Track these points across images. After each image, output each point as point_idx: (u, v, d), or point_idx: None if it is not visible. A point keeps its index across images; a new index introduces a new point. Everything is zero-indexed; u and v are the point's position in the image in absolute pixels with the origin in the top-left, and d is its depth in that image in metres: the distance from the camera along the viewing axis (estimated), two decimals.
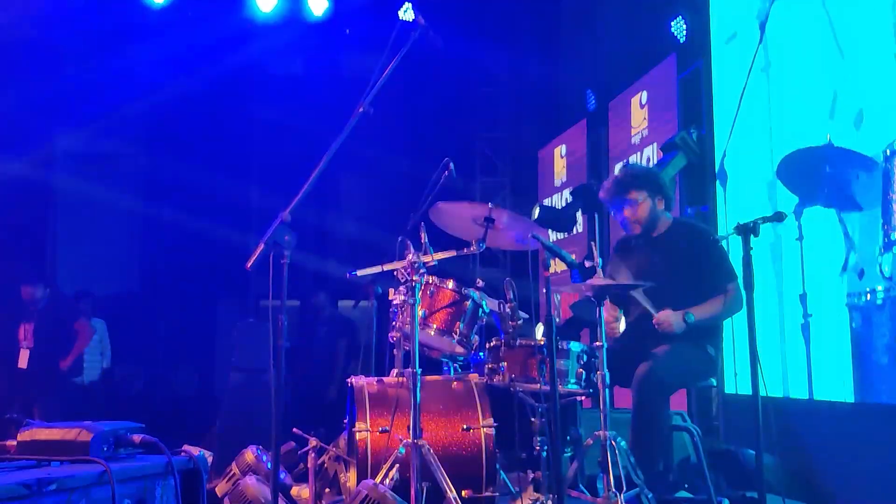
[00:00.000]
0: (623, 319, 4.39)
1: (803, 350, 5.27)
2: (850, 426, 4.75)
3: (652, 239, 4.29)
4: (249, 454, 4.35)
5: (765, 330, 5.47)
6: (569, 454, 3.99)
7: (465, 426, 3.81)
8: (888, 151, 4.57)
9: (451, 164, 4.38)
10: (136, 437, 2.81)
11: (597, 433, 3.55)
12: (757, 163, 5.99)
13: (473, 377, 4.07)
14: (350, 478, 3.91)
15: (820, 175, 5.17)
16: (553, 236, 8.55)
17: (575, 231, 8.54)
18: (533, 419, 3.73)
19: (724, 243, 4.85)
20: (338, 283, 9.00)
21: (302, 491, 4.25)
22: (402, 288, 3.94)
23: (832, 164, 5.08)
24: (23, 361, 6.95)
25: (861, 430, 4.67)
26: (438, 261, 4.05)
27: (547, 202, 9.65)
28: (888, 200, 4.57)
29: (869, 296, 4.72)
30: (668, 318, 3.95)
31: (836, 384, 4.99)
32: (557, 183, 9.42)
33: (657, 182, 4.32)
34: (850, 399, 4.85)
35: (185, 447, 3.01)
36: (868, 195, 4.73)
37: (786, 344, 5.48)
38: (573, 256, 3.83)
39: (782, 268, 5.55)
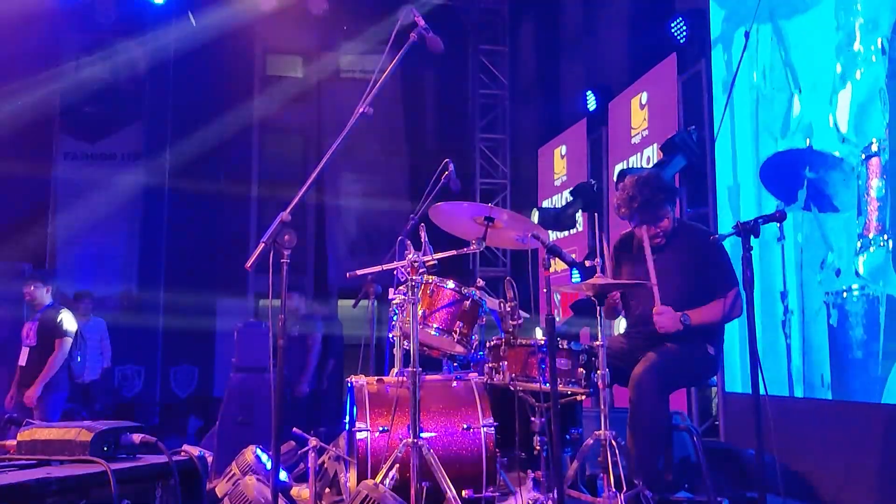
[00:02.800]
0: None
1: (783, 346, 5.36)
2: (848, 425, 4.76)
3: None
4: (249, 454, 4.35)
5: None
6: (569, 454, 3.98)
7: (465, 425, 3.81)
8: (863, 156, 4.69)
9: (451, 165, 4.38)
10: (136, 437, 2.81)
11: (597, 433, 3.55)
12: (739, 166, 6.06)
13: (473, 376, 4.07)
14: (350, 478, 3.91)
15: (800, 178, 5.30)
16: (553, 235, 8.56)
17: (575, 230, 8.54)
18: (533, 419, 3.72)
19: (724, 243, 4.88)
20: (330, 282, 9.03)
21: (302, 491, 4.25)
22: (402, 287, 3.94)
23: (812, 167, 5.21)
24: (23, 359, 7.02)
25: (858, 430, 4.69)
26: (438, 260, 4.04)
27: (547, 202, 9.66)
28: (863, 203, 4.68)
29: (846, 294, 4.84)
30: (667, 313, 3.94)
31: (815, 381, 5.09)
32: (557, 183, 9.42)
33: (675, 192, 4.37)
34: (828, 395, 4.97)
35: (185, 447, 3.01)
36: (845, 198, 4.84)
37: (766, 341, 5.53)
38: (573, 256, 3.82)
39: (763, 267, 5.62)
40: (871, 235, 4.62)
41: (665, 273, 4.09)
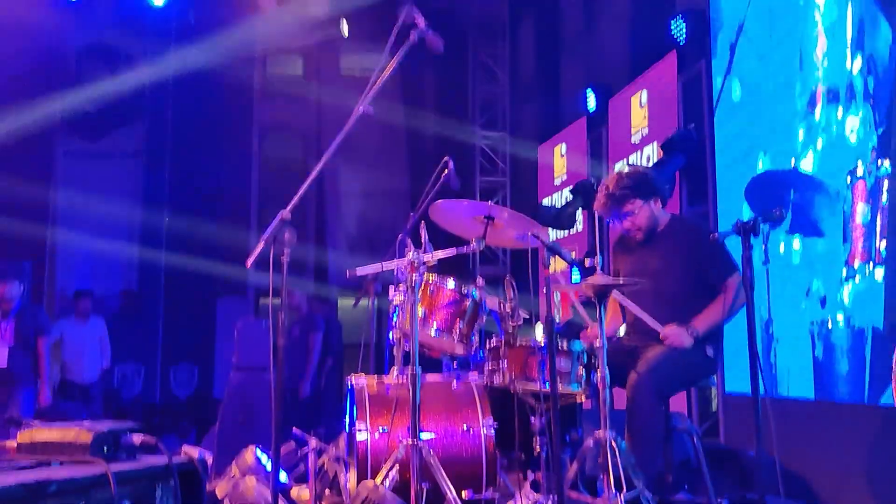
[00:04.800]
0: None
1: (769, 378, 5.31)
2: (849, 425, 4.75)
3: (651, 237, 4.27)
4: (249, 455, 4.35)
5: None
6: (569, 455, 3.98)
7: (464, 426, 3.80)
8: (849, 179, 4.56)
9: (451, 163, 4.36)
10: (136, 438, 2.80)
11: (597, 433, 3.54)
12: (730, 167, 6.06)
13: (473, 377, 4.07)
14: (350, 479, 3.91)
15: (784, 200, 5.16)
16: (553, 234, 8.56)
17: (575, 229, 8.53)
18: (533, 419, 3.72)
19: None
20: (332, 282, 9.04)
21: (302, 492, 4.24)
22: (402, 287, 3.93)
23: (797, 189, 5.06)
24: (2, 360, 7.02)
25: (858, 430, 4.68)
26: (438, 259, 4.03)
27: (547, 201, 9.65)
28: (848, 230, 4.53)
29: (830, 324, 4.69)
30: (676, 334, 3.93)
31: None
32: (557, 182, 9.42)
33: (649, 184, 4.23)
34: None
35: (185, 448, 3.01)
36: (830, 223, 4.71)
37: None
38: (573, 255, 3.81)
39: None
40: (856, 264, 4.46)
41: (662, 269, 4.08)
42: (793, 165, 5.12)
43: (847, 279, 4.54)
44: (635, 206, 4.16)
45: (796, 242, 5.09)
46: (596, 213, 4.32)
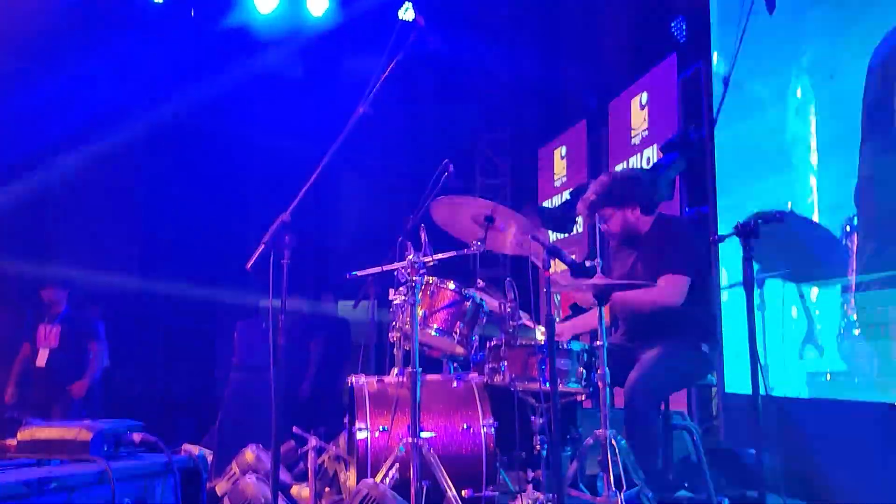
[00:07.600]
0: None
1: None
2: (849, 425, 4.75)
3: (638, 239, 4.31)
4: (249, 453, 4.35)
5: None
6: (569, 453, 3.98)
7: (465, 425, 3.81)
8: (847, 227, 4.44)
9: (451, 165, 4.37)
10: (136, 436, 2.81)
11: (597, 432, 3.55)
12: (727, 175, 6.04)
13: (473, 376, 4.08)
14: (350, 477, 3.91)
15: (780, 244, 4.93)
16: (553, 236, 8.56)
17: (575, 231, 8.54)
18: (533, 418, 3.72)
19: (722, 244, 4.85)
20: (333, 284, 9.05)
21: (302, 490, 4.25)
22: (402, 288, 3.94)
23: (792, 233, 4.88)
24: (42, 360, 7.00)
25: (858, 430, 4.67)
26: (439, 261, 4.04)
27: (547, 203, 9.66)
28: (847, 280, 4.40)
29: (829, 377, 4.56)
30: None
31: None
32: (557, 183, 9.42)
33: (624, 193, 4.25)
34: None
35: (185, 446, 3.02)
36: (829, 270, 4.57)
37: None
38: (573, 256, 3.82)
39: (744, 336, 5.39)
40: (855, 317, 4.37)
41: (641, 270, 4.12)
42: (789, 208, 5.00)
43: (847, 330, 4.42)
44: (606, 214, 4.24)
45: (792, 287, 4.94)
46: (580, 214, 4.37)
